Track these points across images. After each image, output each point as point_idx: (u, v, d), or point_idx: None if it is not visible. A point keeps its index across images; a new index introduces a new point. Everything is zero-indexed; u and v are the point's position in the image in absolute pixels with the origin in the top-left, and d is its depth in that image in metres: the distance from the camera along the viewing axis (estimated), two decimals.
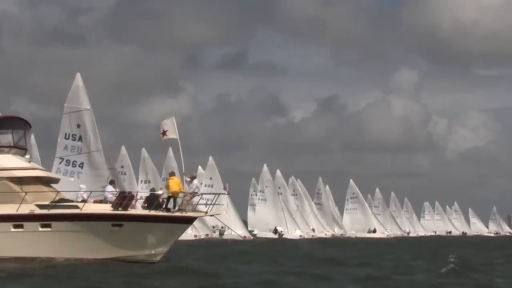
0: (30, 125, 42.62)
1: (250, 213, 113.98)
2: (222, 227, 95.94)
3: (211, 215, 39.28)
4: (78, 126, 51.07)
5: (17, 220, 37.70)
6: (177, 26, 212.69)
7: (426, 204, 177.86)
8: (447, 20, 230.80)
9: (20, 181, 38.87)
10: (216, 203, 38.56)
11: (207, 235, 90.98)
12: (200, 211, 38.37)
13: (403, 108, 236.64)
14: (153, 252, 37.67)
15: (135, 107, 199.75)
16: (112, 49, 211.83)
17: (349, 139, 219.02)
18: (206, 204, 38.32)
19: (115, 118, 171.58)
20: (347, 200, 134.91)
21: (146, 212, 37.52)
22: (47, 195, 38.47)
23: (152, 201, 38.21)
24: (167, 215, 37.32)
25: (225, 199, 74.83)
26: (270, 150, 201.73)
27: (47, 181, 40.31)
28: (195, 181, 39.15)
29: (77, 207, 37.68)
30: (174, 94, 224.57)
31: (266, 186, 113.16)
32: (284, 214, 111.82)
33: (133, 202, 38.43)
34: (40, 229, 37.54)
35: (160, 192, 39.34)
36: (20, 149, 41.15)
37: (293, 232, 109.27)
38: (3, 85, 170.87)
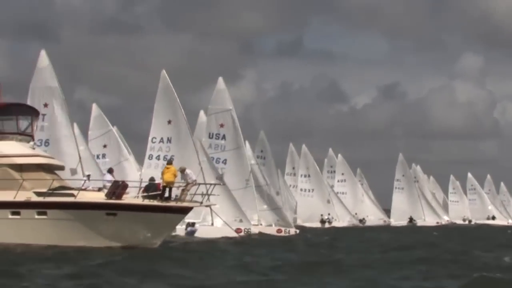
0: (38, 112, 42.84)
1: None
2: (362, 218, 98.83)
3: (207, 206, 38.91)
4: (222, 125, 53.88)
5: (14, 207, 37.93)
6: (230, 14, 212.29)
7: None
8: (502, 4, 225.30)
9: (20, 168, 39.06)
10: (212, 193, 38.22)
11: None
12: (196, 201, 38.03)
13: (467, 94, 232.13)
14: (147, 242, 37.53)
15: (195, 95, 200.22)
16: (168, 38, 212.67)
17: (412, 126, 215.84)
18: (202, 195, 38.03)
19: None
20: (469, 191, 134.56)
21: (139, 201, 37.40)
22: (47, 183, 38.50)
23: (148, 190, 38.02)
24: (161, 205, 37.06)
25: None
26: (334, 137, 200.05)
27: (49, 168, 40.40)
28: (188, 171, 38.81)
29: (73, 195, 37.73)
30: (233, 82, 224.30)
31: (403, 175, 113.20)
32: (421, 203, 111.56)
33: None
34: (36, 216, 37.73)
35: (158, 181, 39.07)
36: (25, 136, 41.40)
37: (429, 220, 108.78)
38: (66, 73, 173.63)
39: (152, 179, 40.00)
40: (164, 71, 54.59)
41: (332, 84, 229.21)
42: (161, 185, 38.43)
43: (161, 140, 53.58)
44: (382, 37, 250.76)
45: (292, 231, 59.29)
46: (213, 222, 54.09)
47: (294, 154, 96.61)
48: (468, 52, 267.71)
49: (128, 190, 38.75)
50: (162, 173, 37.94)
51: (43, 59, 50.34)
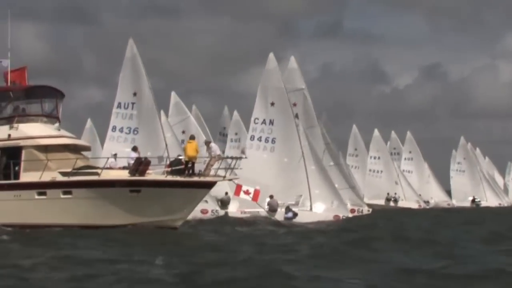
0: (63, 94, 42.91)
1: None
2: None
3: (230, 179, 38.77)
4: (294, 104, 54.61)
5: (40, 187, 38.22)
6: None
7: None
8: None
9: (46, 149, 39.31)
10: (236, 167, 38.09)
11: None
12: (219, 176, 37.92)
13: (511, 73, 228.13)
14: (172, 217, 37.56)
15: (237, 77, 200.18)
16: (207, 21, 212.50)
17: (455, 106, 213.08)
18: (225, 169, 37.94)
19: (218, 88, 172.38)
20: None
21: (162, 177, 37.40)
22: (72, 163, 38.64)
23: (173, 165, 37.96)
24: (184, 180, 36.97)
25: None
26: (376, 118, 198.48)
27: (74, 149, 40.59)
28: (212, 145, 38.74)
29: (97, 173, 37.88)
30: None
31: (464, 158, 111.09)
32: (483, 184, 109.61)
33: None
34: (62, 196, 37.96)
35: (181, 157, 39.03)
36: (51, 118, 41.62)
37: (492, 201, 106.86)
38: (107, 58, 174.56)
39: (180, 155, 39.99)
40: (271, 54, 55.34)
41: (373, 65, 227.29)
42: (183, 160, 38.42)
43: (264, 122, 54.27)
44: (422, 17, 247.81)
45: (365, 210, 58.16)
46: (311, 207, 53.72)
47: (357, 135, 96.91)
48: (510, 31, 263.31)
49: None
50: (184, 149, 37.83)
51: (132, 48, 50.56)
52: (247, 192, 52.66)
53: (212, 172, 37.87)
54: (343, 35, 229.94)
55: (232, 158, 38.23)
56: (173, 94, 65.76)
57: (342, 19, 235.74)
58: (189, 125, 64.43)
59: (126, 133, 49.37)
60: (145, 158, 38.22)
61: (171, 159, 39.72)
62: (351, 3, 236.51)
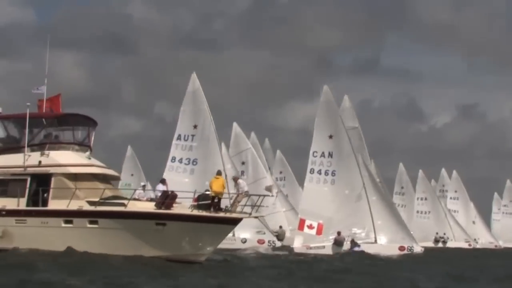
0: (96, 123, 43.19)
1: None
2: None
3: (256, 217, 38.69)
4: None
5: (67, 215, 38.42)
6: (308, 30, 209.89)
7: None
8: None
9: (75, 177, 39.56)
10: (261, 204, 37.92)
11: None
12: (245, 213, 37.81)
13: None
14: (197, 252, 37.45)
15: (274, 110, 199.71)
16: (245, 54, 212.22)
17: (494, 146, 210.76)
18: (252, 206, 37.84)
19: (255, 121, 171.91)
20: None
21: (188, 211, 37.38)
22: (100, 192, 38.80)
23: (200, 200, 37.90)
24: (209, 215, 36.93)
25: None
26: (415, 156, 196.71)
27: (103, 178, 40.78)
28: (240, 181, 38.67)
29: (123, 204, 37.97)
30: (311, 98, 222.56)
31: (511, 201, 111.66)
32: None
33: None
34: (88, 225, 38.09)
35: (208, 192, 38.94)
36: (82, 146, 41.91)
37: None
38: (146, 88, 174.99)
39: (207, 190, 39.99)
40: (326, 86, 55.73)
41: (410, 102, 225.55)
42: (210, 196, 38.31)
43: (322, 155, 54.29)
44: (460, 56, 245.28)
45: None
46: (376, 239, 53.75)
47: (404, 174, 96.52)
48: None
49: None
50: (210, 184, 37.79)
51: (194, 82, 51.69)
52: (310, 227, 52.88)
53: (238, 209, 37.78)
54: (380, 72, 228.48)
55: (258, 195, 38.03)
56: (234, 125, 66.28)
57: (380, 56, 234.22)
58: (249, 156, 64.75)
59: (185, 164, 50.50)
60: (172, 191, 38.23)
61: (198, 193, 39.64)
62: (389, 39, 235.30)
